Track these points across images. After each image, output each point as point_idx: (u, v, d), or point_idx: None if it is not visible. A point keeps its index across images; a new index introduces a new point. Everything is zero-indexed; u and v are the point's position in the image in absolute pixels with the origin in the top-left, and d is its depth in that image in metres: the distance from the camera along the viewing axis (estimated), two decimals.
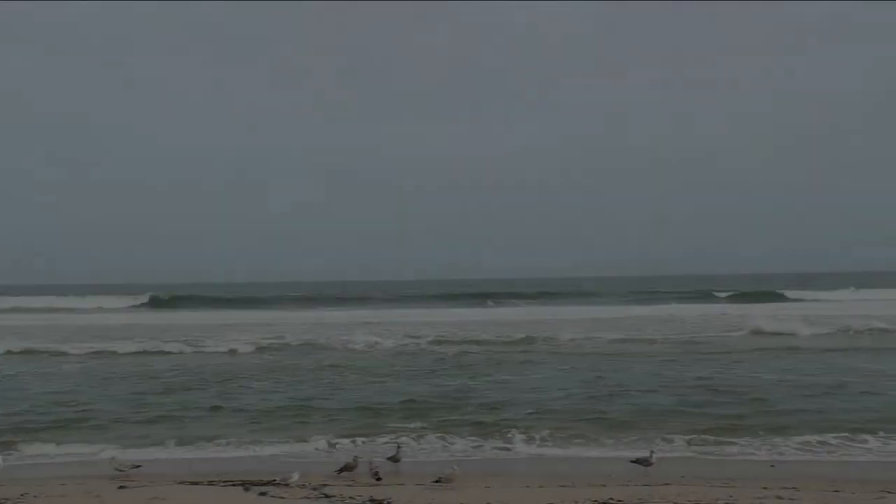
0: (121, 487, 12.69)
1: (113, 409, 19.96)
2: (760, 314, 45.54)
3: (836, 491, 11.88)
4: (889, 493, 11.60)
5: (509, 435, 16.67)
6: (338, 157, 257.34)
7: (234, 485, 12.77)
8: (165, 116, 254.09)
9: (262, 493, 12.10)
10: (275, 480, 12.75)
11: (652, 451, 13.95)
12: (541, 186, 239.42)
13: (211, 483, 12.92)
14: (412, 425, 17.71)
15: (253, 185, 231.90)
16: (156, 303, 79.77)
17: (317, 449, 16.04)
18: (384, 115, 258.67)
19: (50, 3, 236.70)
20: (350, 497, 11.71)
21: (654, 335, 38.19)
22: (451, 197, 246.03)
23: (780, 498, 11.44)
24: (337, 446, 16.07)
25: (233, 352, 32.93)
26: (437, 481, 12.59)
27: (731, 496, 11.53)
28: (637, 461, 13.63)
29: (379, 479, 12.99)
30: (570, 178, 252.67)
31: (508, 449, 15.90)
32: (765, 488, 12.04)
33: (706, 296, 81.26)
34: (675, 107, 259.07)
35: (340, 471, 13.47)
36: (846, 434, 16.25)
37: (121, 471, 13.60)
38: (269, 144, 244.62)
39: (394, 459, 14.16)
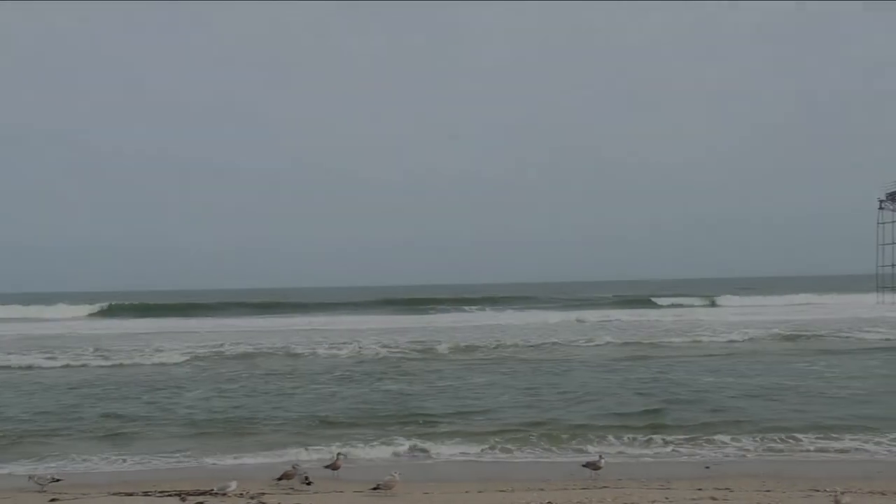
0: (52, 501, 12.40)
1: (41, 422, 19.41)
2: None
3: (768, 491, 12.13)
4: (816, 490, 11.88)
5: (454, 440, 16.68)
6: None
7: (169, 495, 12.56)
8: None
9: None
10: (212, 490, 12.58)
11: (601, 455, 14.06)
12: None
13: (146, 494, 12.70)
14: (354, 432, 17.62)
15: None
16: (110, 311, 79.11)
17: (254, 457, 15.86)
18: None
19: None
20: None
21: (598, 339, 38.65)
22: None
23: (714, 499, 11.64)
24: (278, 454, 15.88)
25: (166, 363, 32.22)
26: (375, 488, 12.54)
27: (666, 498, 11.70)
28: (587, 465, 13.72)
29: (309, 483, 12.94)
30: None
31: (452, 454, 15.88)
32: (699, 489, 12.24)
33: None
34: None
35: (280, 479, 13.34)
36: (778, 434, 16.57)
37: (41, 485, 13.22)
38: None
39: (333, 467, 14.07)
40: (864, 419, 18.01)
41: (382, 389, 23.89)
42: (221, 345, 37.73)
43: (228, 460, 15.58)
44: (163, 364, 31.71)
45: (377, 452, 16.07)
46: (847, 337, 38.74)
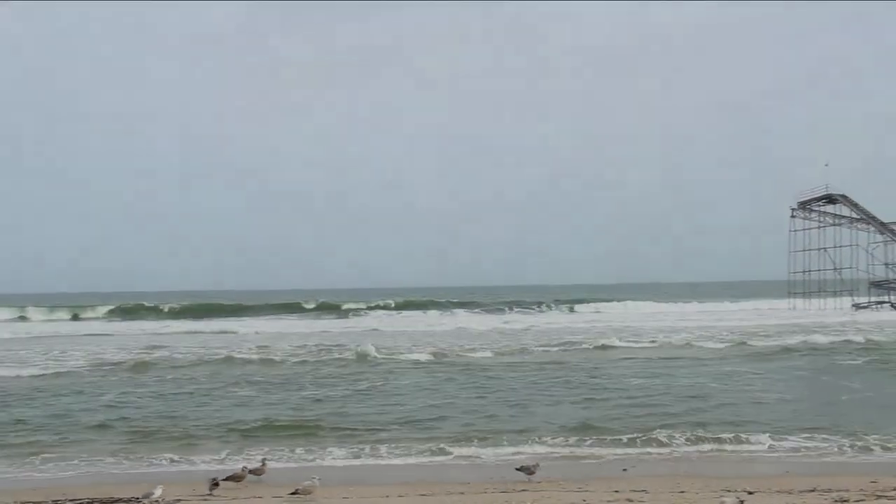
0: None
1: None
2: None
3: (682, 492, 12.39)
4: (728, 491, 12.19)
5: (377, 445, 16.66)
6: None
7: (81, 503, 12.24)
8: None
9: None
10: (137, 498, 12.26)
11: (536, 462, 14.13)
12: None
13: (55, 502, 12.33)
14: (281, 435, 17.61)
15: None
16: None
17: (172, 461, 15.62)
18: None
19: None
20: None
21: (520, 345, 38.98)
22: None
23: (630, 501, 11.84)
24: (203, 461, 15.65)
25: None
26: (294, 493, 12.42)
27: (584, 500, 11.87)
28: (521, 469, 13.76)
29: (216, 485, 12.75)
30: None
31: (376, 458, 15.86)
32: (616, 491, 12.44)
33: None
34: None
35: (212, 487, 13.13)
36: (694, 435, 16.98)
37: None
38: None
39: (257, 472, 13.88)
40: (775, 420, 18.58)
41: (304, 394, 23.69)
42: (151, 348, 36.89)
43: (143, 468, 15.28)
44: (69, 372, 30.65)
45: (303, 456, 15.94)
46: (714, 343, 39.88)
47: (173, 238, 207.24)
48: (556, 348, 36.85)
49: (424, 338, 44.61)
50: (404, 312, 77.36)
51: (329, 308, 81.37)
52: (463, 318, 66.24)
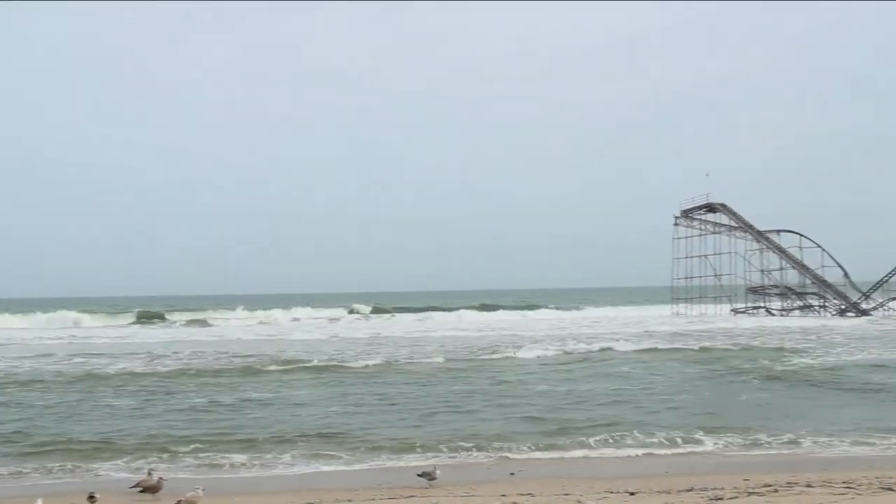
0: None
1: None
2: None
3: (567, 494, 12.65)
4: (611, 493, 12.54)
5: (273, 452, 16.52)
6: None
7: None
8: None
9: None
10: None
11: (435, 467, 14.15)
12: None
13: None
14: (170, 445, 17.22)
15: None
16: None
17: (60, 468, 15.20)
18: None
19: None
20: None
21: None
22: None
23: None
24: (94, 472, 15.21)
25: None
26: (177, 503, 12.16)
27: None
28: (422, 475, 13.75)
29: (93, 499, 12.37)
30: None
31: (272, 466, 15.67)
32: (503, 495, 12.62)
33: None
34: None
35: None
36: (580, 438, 17.45)
37: None
38: None
39: (152, 489, 13.44)
40: (657, 420, 19.25)
41: (188, 403, 23.24)
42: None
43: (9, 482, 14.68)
44: None
45: (195, 467, 15.61)
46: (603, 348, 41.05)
47: None
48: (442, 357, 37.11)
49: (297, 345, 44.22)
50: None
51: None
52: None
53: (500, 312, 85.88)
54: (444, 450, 16.72)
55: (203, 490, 12.36)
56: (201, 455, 16.36)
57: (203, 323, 73.26)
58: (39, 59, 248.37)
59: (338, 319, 78.14)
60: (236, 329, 62.18)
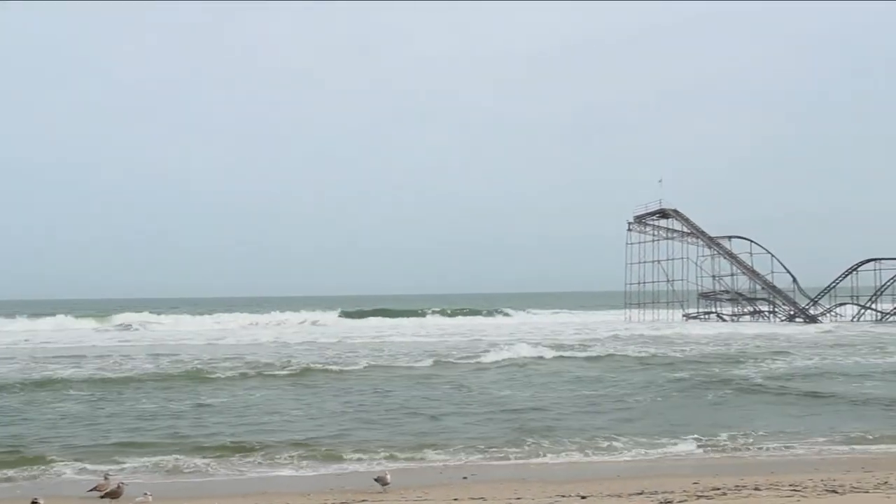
0: None
1: None
2: None
3: (519, 498, 12.71)
4: (563, 497, 12.60)
5: (224, 457, 16.42)
6: None
7: None
8: None
9: None
10: None
11: (386, 471, 14.02)
12: None
13: None
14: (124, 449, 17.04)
15: None
16: None
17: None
18: None
19: None
20: None
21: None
22: None
23: None
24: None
25: None
26: None
27: None
28: (378, 479, 13.64)
29: None
30: None
31: (224, 471, 15.54)
32: (455, 500, 12.63)
33: None
34: None
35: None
36: (534, 442, 17.57)
37: None
38: None
39: (112, 494, 13.19)
40: (609, 425, 19.45)
41: (140, 407, 22.93)
42: None
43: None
44: None
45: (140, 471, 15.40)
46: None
47: None
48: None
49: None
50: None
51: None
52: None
53: (461, 318, 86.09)
54: (398, 454, 16.71)
55: (150, 495, 12.18)
56: (149, 460, 16.14)
57: (146, 325, 72.45)
58: None
59: (304, 322, 77.17)
60: (185, 332, 61.54)
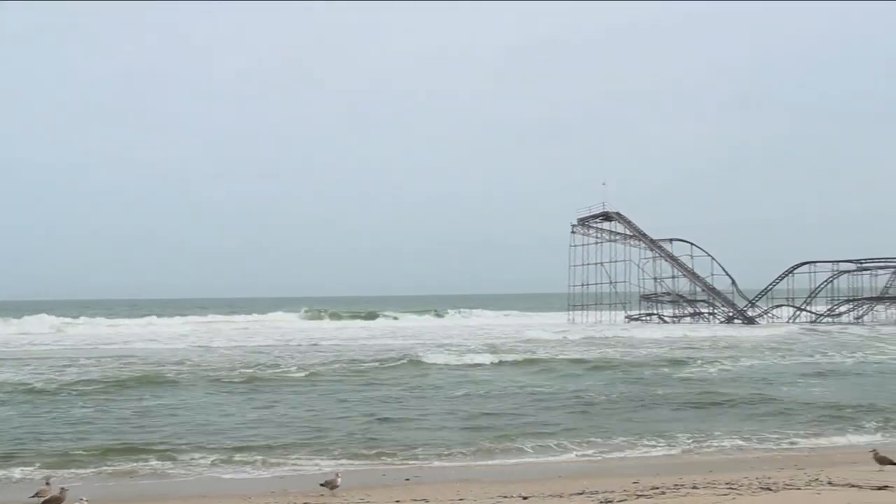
0: None
1: None
2: None
3: (461, 500, 12.75)
4: (505, 497, 12.69)
5: (166, 460, 16.25)
6: None
7: None
8: None
9: None
10: None
11: (337, 474, 13.98)
12: None
13: None
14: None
15: None
16: None
17: None
18: None
19: None
20: None
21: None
22: None
23: None
24: None
25: None
26: None
27: None
28: (324, 484, 13.56)
29: None
30: None
31: (167, 474, 15.37)
32: (397, 501, 12.64)
33: None
34: None
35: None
36: (477, 444, 17.65)
37: None
38: None
39: (53, 501, 12.90)
40: (550, 427, 19.69)
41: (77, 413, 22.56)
42: None
43: None
44: None
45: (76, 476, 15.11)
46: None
47: None
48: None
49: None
50: None
51: None
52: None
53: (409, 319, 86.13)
54: (340, 455, 16.68)
55: (87, 500, 11.96)
56: (88, 465, 15.91)
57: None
58: None
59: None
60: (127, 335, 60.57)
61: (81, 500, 11.96)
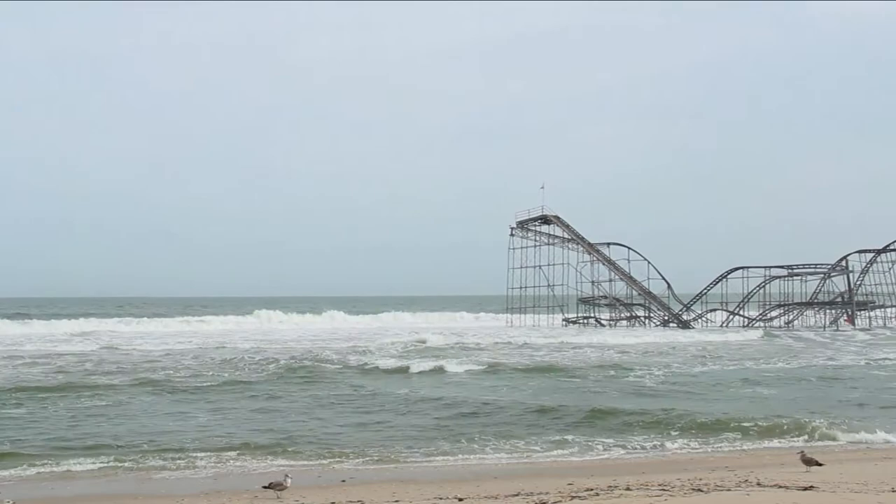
0: None
1: None
2: None
3: (397, 501, 12.75)
4: (441, 498, 12.71)
5: (99, 461, 16.07)
6: None
7: None
8: None
9: None
10: None
11: (287, 475, 13.78)
12: None
13: None
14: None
15: None
16: None
17: None
18: None
19: None
20: None
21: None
22: None
23: None
24: None
25: None
26: None
27: None
28: (269, 486, 13.35)
29: None
30: None
31: (103, 475, 15.21)
32: (333, 502, 12.59)
33: None
34: None
35: None
36: (414, 445, 17.77)
37: None
38: None
39: None
40: (484, 429, 19.86)
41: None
42: None
43: None
44: None
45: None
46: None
47: None
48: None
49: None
50: None
51: None
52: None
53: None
54: (278, 456, 16.56)
55: (13, 502, 11.72)
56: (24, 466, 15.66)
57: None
58: None
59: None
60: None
61: (7, 502, 11.72)
